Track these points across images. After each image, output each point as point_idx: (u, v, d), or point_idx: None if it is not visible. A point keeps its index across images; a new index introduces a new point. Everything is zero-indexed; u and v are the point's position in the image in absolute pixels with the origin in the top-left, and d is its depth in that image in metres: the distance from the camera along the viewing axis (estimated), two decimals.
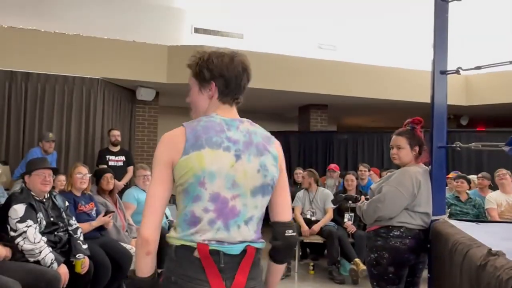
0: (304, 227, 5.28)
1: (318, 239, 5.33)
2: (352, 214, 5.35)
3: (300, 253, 5.77)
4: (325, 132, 9.04)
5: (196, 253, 1.40)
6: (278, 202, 1.54)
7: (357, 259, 4.91)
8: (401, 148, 2.81)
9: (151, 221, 1.42)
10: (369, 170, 6.63)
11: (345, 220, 5.39)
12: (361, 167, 6.55)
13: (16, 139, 6.39)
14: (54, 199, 3.37)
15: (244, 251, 1.44)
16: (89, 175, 3.84)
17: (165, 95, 8.35)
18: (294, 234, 1.53)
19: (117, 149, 6.46)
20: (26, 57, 6.47)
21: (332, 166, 6.98)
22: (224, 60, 1.52)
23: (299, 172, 6.80)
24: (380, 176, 6.51)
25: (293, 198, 5.74)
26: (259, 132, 1.53)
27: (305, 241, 5.40)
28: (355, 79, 8.00)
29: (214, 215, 1.42)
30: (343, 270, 5.23)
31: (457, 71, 2.62)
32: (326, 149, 8.68)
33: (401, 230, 2.66)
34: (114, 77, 7.02)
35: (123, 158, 6.42)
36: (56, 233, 3.24)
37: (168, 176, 1.43)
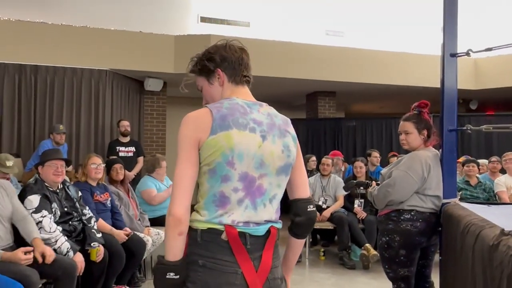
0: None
1: (329, 225, 5.36)
2: (362, 200, 5.37)
3: (311, 240, 5.81)
4: (333, 119, 9.02)
5: (224, 236, 1.40)
6: (298, 180, 1.58)
7: (367, 245, 4.94)
8: (409, 133, 2.81)
9: (183, 201, 1.38)
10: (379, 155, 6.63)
11: (355, 206, 5.41)
12: (374, 153, 6.52)
13: (27, 132, 6.47)
14: (67, 189, 3.42)
15: (268, 232, 1.47)
16: (103, 165, 3.88)
17: (173, 85, 8.36)
18: (314, 209, 1.58)
19: (127, 140, 6.51)
20: (34, 50, 6.51)
21: (331, 153, 6.94)
22: (220, 46, 1.56)
23: (314, 160, 6.76)
24: (388, 162, 6.51)
25: None
26: (278, 115, 1.58)
27: (315, 227, 5.42)
28: (363, 65, 7.96)
29: (243, 194, 1.43)
30: (354, 256, 5.27)
31: (467, 53, 2.60)
32: (335, 136, 8.67)
33: (412, 213, 2.67)
34: (122, 68, 7.04)
35: (133, 148, 6.48)
36: (70, 222, 3.30)
37: (196, 155, 1.42)
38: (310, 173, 6.67)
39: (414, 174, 2.65)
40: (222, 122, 1.42)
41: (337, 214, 5.28)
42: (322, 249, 5.55)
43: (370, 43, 8.12)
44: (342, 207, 5.48)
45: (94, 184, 3.80)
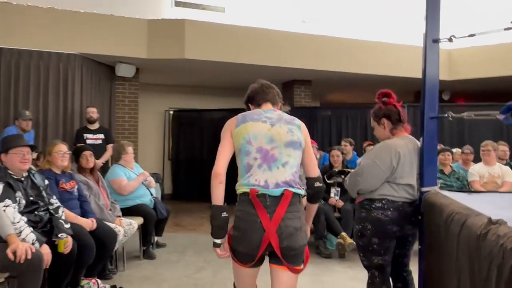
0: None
1: None
2: (339, 189, 5.34)
3: None
4: (309, 108, 8.99)
5: (250, 196, 2.08)
6: (307, 163, 2.28)
7: (343, 233, 4.92)
8: (373, 128, 2.85)
9: (221, 162, 2.13)
10: (351, 145, 6.63)
11: (331, 195, 5.38)
12: (343, 142, 6.57)
13: None
14: (33, 177, 3.23)
15: (282, 194, 2.08)
16: (69, 153, 3.69)
17: (146, 72, 8.14)
18: (321, 185, 2.30)
19: (95, 127, 6.28)
20: None
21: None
22: (251, 88, 2.42)
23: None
24: (364, 151, 6.52)
25: None
26: (285, 115, 2.27)
27: None
28: (339, 54, 7.92)
29: (260, 161, 2.13)
30: (330, 245, 5.25)
31: (449, 39, 2.55)
32: (310, 125, 8.60)
33: (383, 202, 2.64)
34: (92, 52, 6.77)
35: (101, 136, 6.25)
36: (36, 212, 3.11)
37: (230, 140, 2.18)
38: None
39: (382, 163, 2.62)
40: (242, 119, 2.20)
41: None
42: None
43: (347, 32, 8.08)
44: None
45: (59, 172, 3.61)
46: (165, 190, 9.56)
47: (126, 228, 4.17)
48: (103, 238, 3.63)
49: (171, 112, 9.75)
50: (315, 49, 7.79)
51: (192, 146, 9.49)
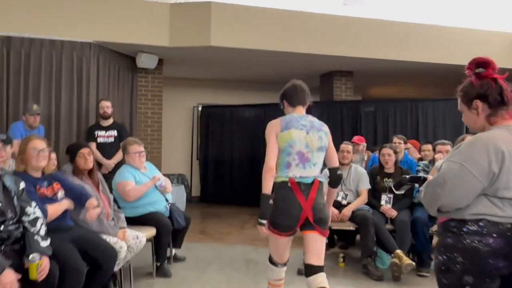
0: (333, 210, 4.37)
1: (349, 226, 4.42)
2: (391, 196, 4.42)
3: (327, 241, 4.89)
4: (351, 102, 7.98)
5: (289, 184, 2.70)
6: (330, 157, 2.89)
7: (398, 251, 4.00)
8: (462, 112, 1.96)
9: (272, 159, 2.70)
10: (405, 142, 5.64)
11: (382, 202, 4.46)
12: (395, 139, 5.56)
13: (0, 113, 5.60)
14: (3, 180, 2.52)
15: (313, 182, 2.74)
16: (47, 151, 2.95)
17: (170, 64, 7.45)
18: (341, 173, 2.93)
19: (108, 123, 5.60)
20: (7, 18, 5.61)
21: (355, 138, 5.99)
22: (285, 87, 2.95)
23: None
24: (420, 151, 5.53)
25: None
26: (315, 121, 2.86)
27: (333, 228, 4.49)
28: (385, 39, 6.93)
29: (298, 161, 2.74)
30: (380, 263, 4.34)
31: None
32: (352, 122, 7.66)
33: (480, 224, 1.74)
34: (109, 40, 6.12)
35: (114, 133, 5.56)
36: (3, 226, 2.40)
37: (275, 140, 2.75)
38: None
39: (474, 167, 1.73)
40: (286, 125, 2.77)
41: (360, 213, 4.34)
42: (342, 254, 4.62)
43: (393, 14, 7.09)
44: (366, 204, 4.53)
45: (37, 175, 2.89)
46: (192, 192, 8.87)
47: (131, 243, 3.43)
48: (98, 257, 2.90)
49: (200, 108, 9.03)
50: (358, 34, 6.83)
51: (222, 145, 8.71)
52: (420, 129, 7.33)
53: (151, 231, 3.91)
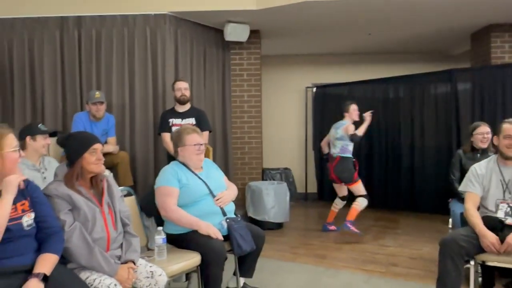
0: (489, 236, 2.59)
1: None
2: None
3: (481, 280, 3.08)
4: None
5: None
6: None
7: None
8: None
9: None
10: None
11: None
12: None
13: (73, 101, 5.01)
14: None
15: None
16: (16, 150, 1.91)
17: (268, 37, 6.16)
18: None
19: (184, 108, 4.56)
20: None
21: None
22: None
23: (485, 132, 3.91)
24: None
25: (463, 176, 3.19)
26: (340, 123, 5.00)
27: (489, 264, 2.68)
28: None
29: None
30: None
31: None
32: None
33: None
34: (187, 9, 5.09)
35: (192, 120, 4.50)
36: None
37: None
38: (481, 153, 3.86)
39: None
40: None
41: None
42: None
43: None
44: None
45: None
46: (308, 189, 7.50)
47: (142, 284, 2.24)
48: None
49: (314, 90, 7.55)
50: None
51: None
52: None
53: (194, 259, 2.69)
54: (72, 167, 2.29)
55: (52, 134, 3.40)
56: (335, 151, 4.97)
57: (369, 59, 7.68)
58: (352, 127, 4.90)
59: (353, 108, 5.03)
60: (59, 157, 3.90)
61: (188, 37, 5.38)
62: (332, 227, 5.24)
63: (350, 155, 4.94)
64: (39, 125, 3.26)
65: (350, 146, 4.95)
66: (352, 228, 4.82)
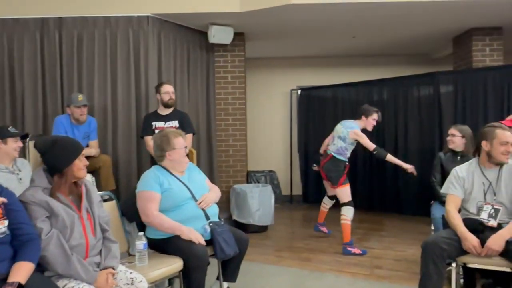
0: (470, 239, 2.61)
1: (502, 266, 2.60)
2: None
3: (462, 281, 3.10)
4: (500, 69, 5.71)
5: None
6: None
7: None
8: None
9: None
10: None
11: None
12: None
13: (54, 104, 4.91)
14: None
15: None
16: None
17: (253, 40, 6.15)
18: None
19: (167, 111, 4.51)
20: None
21: (509, 119, 3.98)
22: None
23: (462, 135, 3.96)
24: None
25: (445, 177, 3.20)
26: (344, 125, 4.66)
27: (470, 266, 2.70)
28: None
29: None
30: None
31: None
32: (502, 95, 5.43)
33: None
34: (170, 11, 5.05)
35: (175, 123, 4.45)
36: None
37: None
38: (461, 156, 3.90)
39: None
40: None
41: None
42: None
43: None
44: None
45: None
46: (293, 191, 7.49)
47: None
48: None
49: (299, 92, 7.57)
50: None
51: (326, 133, 7.12)
52: None
53: (176, 264, 2.65)
54: (62, 174, 2.23)
55: (23, 137, 3.33)
56: (332, 149, 4.61)
57: (354, 62, 7.73)
58: (362, 136, 4.51)
59: (374, 118, 4.59)
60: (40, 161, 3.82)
61: (171, 39, 5.34)
62: (324, 229, 5.06)
63: (344, 159, 4.59)
64: (9, 128, 3.19)
65: (348, 151, 4.62)
66: (354, 250, 4.42)
